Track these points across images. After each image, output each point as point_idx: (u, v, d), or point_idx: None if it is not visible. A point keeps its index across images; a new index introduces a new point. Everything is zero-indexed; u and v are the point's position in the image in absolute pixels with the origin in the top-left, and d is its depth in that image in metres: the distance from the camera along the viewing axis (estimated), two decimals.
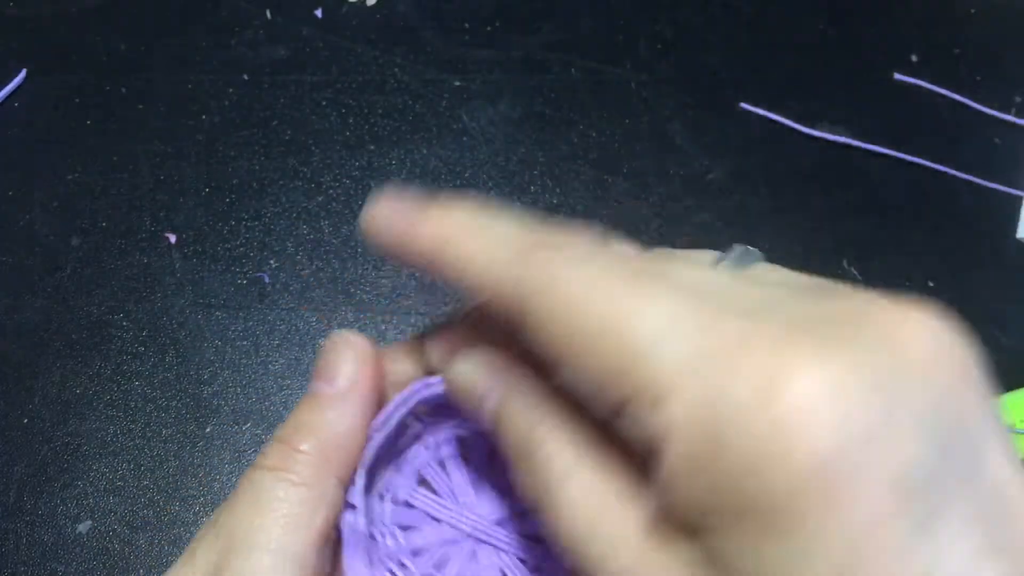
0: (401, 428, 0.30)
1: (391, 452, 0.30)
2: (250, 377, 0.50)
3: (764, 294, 0.20)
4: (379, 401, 0.28)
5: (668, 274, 0.21)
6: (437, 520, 0.31)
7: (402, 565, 0.30)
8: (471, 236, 0.23)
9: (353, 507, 0.26)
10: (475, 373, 0.25)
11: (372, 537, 0.29)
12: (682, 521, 0.19)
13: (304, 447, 0.25)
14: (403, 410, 0.27)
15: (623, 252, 0.24)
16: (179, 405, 0.49)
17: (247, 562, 0.24)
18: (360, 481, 0.27)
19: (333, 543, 0.26)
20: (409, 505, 0.31)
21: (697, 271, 0.21)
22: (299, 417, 0.26)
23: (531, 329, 0.21)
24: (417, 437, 0.31)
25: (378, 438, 0.27)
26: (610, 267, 0.21)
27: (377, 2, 0.61)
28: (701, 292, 0.20)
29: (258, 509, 0.25)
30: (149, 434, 0.49)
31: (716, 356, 0.18)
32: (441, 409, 0.30)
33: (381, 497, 0.30)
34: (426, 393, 0.28)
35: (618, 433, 0.20)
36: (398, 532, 0.31)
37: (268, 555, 0.24)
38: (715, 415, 0.17)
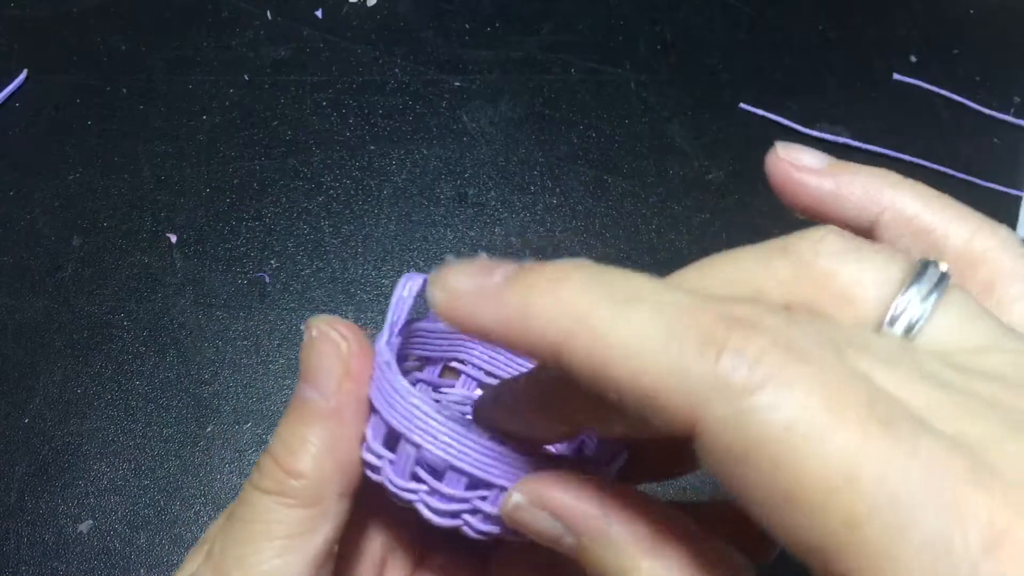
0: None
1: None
2: (250, 377, 0.50)
3: (979, 388, 0.18)
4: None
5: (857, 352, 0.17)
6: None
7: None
8: (624, 312, 0.18)
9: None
10: (546, 517, 0.22)
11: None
12: None
13: (300, 467, 0.24)
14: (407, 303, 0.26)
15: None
16: (180, 405, 0.49)
17: None
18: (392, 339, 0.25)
19: (335, 557, 0.25)
20: None
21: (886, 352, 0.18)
22: (289, 430, 0.25)
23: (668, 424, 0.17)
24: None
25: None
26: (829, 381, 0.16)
27: (377, 2, 0.61)
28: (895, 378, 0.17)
29: (252, 532, 0.24)
30: (150, 434, 0.49)
31: (921, 483, 0.16)
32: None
33: None
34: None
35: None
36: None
37: None
38: (913, 552, 0.15)
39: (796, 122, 0.58)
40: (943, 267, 0.20)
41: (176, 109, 0.57)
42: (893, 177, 0.25)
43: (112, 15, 0.60)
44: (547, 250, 0.54)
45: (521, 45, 0.60)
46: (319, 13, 0.61)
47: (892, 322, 0.19)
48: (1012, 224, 0.57)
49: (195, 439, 0.49)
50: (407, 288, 0.26)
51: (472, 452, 0.23)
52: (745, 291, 0.21)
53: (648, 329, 0.17)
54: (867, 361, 0.17)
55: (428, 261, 0.54)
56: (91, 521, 0.47)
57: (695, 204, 0.56)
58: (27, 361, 0.50)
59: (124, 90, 0.58)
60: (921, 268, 0.20)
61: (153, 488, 0.48)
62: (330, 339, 0.24)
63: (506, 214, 0.55)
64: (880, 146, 0.58)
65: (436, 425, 0.23)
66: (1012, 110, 0.60)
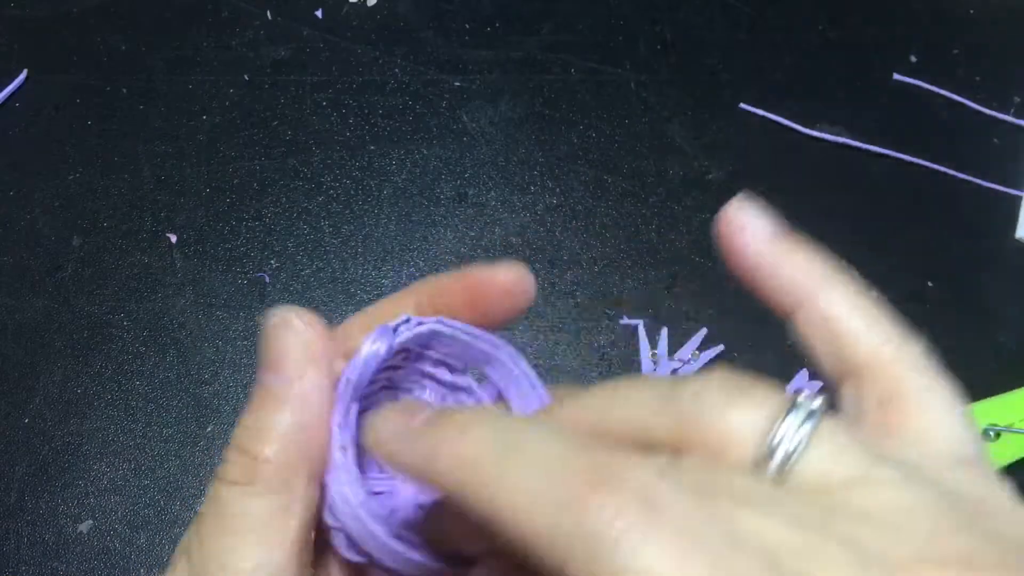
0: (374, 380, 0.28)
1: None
2: (250, 377, 0.50)
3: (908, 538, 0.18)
4: (334, 379, 0.25)
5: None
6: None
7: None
8: (508, 466, 0.19)
9: (343, 448, 0.25)
10: None
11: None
12: None
13: (266, 453, 0.24)
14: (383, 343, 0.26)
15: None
16: (180, 405, 0.49)
17: None
18: (351, 417, 0.25)
19: (313, 544, 0.25)
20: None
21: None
22: (254, 418, 0.24)
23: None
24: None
25: (356, 373, 0.25)
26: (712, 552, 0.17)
27: (377, 2, 0.61)
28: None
29: (226, 529, 0.24)
30: (150, 434, 0.49)
31: None
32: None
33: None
34: (415, 331, 0.26)
35: None
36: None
37: None
38: None
39: (796, 122, 0.58)
40: (816, 402, 0.20)
41: (176, 109, 0.57)
42: (826, 269, 0.24)
43: (112, 15, 0.60)
44: (547, 250, 0.54)
45: (521, 45, 0.60)
46: (319, 13, 0.61)
47: (771, 454, 0.20)
48: (1012, 224, 0.57)
49: (195, 439, 0.49)
50: (376, 345, 0.25)
51: (419, 571, 0.24)
52: (639, 432, 0.22)
53: (526, 483, 0.19)
54: (733, 505, 0.18)
55: (428, 261, 0.54)
56: (91, 521, 0.47)
57: (695, 204, 0.56)
58: (27, 361, 0.50)
59: (124, 90, 0.58)
60: (794, 401, 0.21)
61: (153, 488, 0.48)
62: (292, 326, 0.25)
63: (506, 214, 0.55)
64: (880, 146, 0.58)
65: (390, 548, 0.24)
66: (1012, 110, 0.60)
